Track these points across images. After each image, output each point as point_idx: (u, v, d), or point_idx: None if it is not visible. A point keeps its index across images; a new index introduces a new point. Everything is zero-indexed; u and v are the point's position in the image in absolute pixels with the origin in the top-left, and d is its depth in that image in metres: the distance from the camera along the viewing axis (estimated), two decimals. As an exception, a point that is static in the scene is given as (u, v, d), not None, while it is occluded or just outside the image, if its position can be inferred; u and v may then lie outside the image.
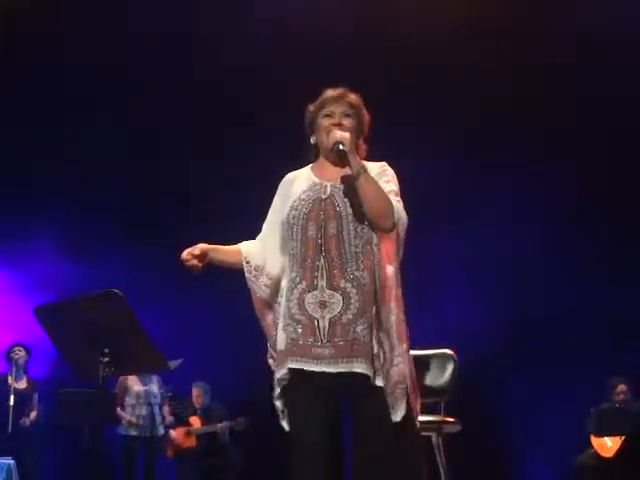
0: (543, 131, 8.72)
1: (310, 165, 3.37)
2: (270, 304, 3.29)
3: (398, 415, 3.05)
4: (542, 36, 8.49)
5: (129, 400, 8.54)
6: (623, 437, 7.88)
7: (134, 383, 8.57)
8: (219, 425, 8.90)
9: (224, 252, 3.35)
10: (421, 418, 4.37)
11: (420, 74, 8.49)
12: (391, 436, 3.05)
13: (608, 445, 8.10)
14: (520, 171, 8.69)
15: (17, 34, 8.78)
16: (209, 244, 3.31)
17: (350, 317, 3.07)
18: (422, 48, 8.36)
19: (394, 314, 3.12)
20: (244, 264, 3.30)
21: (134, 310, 3.44)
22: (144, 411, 8.51)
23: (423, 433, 4.60)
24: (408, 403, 3.08)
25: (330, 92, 3.33)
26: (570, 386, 8.23)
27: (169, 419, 8.76)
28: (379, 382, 3.05)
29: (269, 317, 3.30)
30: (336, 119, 3.26)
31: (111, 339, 3.42)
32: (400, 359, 3.09)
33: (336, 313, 3.07)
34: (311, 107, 3.35)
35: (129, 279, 8.03)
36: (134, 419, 8.45)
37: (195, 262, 3.25)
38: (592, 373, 8.31)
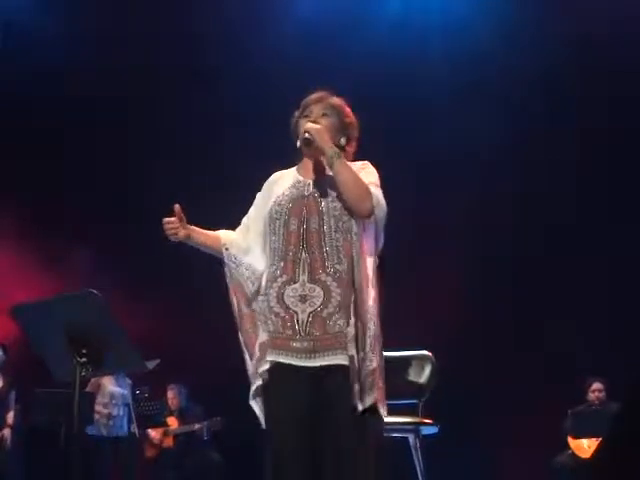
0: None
1: (296, 166, 3.45)
2: (247, 296, 3.30)
3: (366, 403, 3.08)
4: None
5: (101, 399, 8.48)
6: (600, 439, 7.89)
7: (108, 382, 8.52)
8: (196, 425, 8.87)
9: (205, 235, 3.41)
10: (399, 419, 4.41)
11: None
12: (359, 426, 3.07)
13: (585, 446, 8.13)
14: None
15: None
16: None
17: (330, 310, 3.11)
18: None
19: (373, 307, 3.17)
20: (223, 250, 3.36)
21: (112, 310, 3.43)
22: (115, 411, 8.46)
23: (401, 434, 4.62)
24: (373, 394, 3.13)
25: (311, 96, 3.44)
26: (548, 387, 8.25)
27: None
28: (355, 373, 3.07)
29: (244, 308, 3.30)
30: (312, 118, 3.35)
31: (89, 339, 3.41)
32: (377, 352, 3.14)
33: (317, 307, 3.11)
34: (296, 113, 3.46)
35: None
36: (104, 418, 8.40)
37: (176, 226, 3.28)
38: (571, 373, 8.33)
